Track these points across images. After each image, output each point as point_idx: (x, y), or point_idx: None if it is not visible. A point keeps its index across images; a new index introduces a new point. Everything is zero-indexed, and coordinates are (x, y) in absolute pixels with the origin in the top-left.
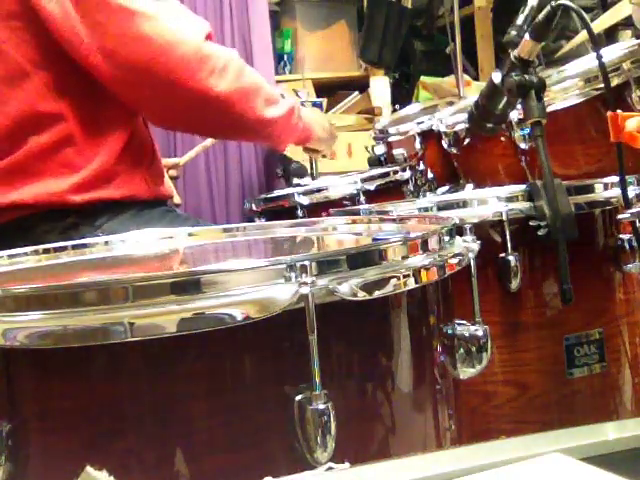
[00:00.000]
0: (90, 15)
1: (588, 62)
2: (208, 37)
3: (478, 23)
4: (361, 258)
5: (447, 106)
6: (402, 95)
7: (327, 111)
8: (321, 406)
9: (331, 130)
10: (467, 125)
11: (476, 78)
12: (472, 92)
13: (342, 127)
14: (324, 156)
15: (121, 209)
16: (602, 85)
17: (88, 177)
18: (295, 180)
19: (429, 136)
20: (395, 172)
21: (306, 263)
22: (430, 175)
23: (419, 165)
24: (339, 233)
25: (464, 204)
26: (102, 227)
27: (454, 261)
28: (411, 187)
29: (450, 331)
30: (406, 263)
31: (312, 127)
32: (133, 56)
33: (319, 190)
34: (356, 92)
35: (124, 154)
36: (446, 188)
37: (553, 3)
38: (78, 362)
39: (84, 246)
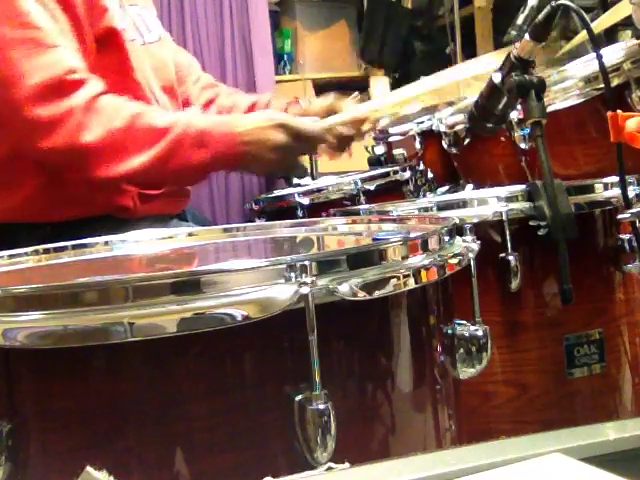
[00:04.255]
0: None
1: (588, 62)
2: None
3: (478, 23)
4: (361, 258)
5: (447, 106)
6: None
7: None
8: (321, 406)
9: (297, 132)
10: (467, 125)
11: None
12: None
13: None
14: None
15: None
16: (602, 85)
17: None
18: (295, 180)
19: (429, 136)
20: (395, 172)
21: (306, 263)
22: (430, 175)
23: (419, 165)
24: (339, 233)
25: (464, 204)
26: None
27: (454, 261)
28: (411, 187)
29: (450, 331)
30: (406, 263)
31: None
32: None
33: (319, 190)
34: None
35: None
36: (446, 188)
37: (553, 3)
38: (78, 362)
39: (84, 246)
